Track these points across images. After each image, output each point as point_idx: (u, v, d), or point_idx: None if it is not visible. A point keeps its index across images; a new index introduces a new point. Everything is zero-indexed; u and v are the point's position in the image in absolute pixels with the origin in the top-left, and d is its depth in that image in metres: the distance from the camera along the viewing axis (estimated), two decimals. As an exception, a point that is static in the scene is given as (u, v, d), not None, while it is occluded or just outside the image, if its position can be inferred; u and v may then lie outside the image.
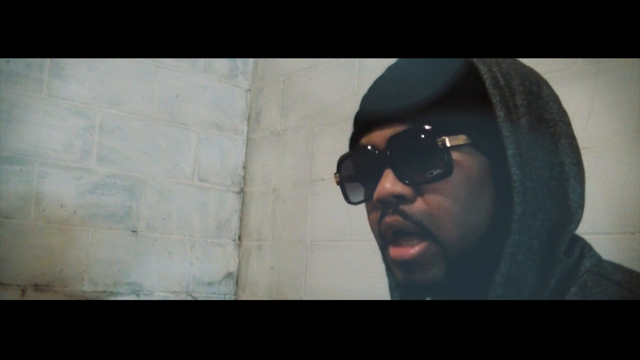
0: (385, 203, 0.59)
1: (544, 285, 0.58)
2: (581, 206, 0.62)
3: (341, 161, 0.65)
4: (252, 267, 2.43)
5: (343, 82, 2.18)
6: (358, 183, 0.64)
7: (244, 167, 2.56)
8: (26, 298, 1.96)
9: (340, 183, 0.66)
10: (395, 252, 0.60)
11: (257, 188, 2.48)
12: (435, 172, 0.58)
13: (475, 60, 0.61)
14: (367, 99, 0.65)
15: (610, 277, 0.58)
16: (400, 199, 0.59)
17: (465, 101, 0.59)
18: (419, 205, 0.58)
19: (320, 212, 2.18)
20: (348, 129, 0.67)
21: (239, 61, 2.58)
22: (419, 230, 0.58)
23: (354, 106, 0.66)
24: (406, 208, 0.59)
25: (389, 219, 0.60)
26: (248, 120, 2.59)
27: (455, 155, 0.58)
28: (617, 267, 0.60)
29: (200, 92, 2.45)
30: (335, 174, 0.66)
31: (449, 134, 0.58)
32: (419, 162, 0.58)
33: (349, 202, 0.65)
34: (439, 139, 0.57)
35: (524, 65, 0.64)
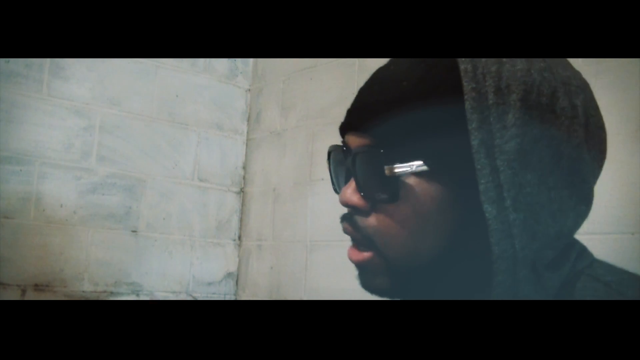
0: (346, 207, 0.61)
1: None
2: (560, 237, 0.56)
3: (330, 151, 0.66)
4: (252, 267, 2.43)
5: (343, 82, 2.18)
6: (338, 176, 0.66)
7: (244, 167, 2.56)
8: (26, 298, 1.96)
9: (329, 170, 0.68)
10: (349, 252, 0.62)
11: (257, 188, 2.48)
12: (382, 196, 0.58)
13: (463, 70, 0.55)
14: (360, 93, 0.63)
15: (600, 279, 0.56)
16: (355, 209, 0.60)
17: (438, 120, 0.55)
18: (371, 221, 0.59)
19: (320, 212, 2.18)
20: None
21: (239, 61, 2.58)
22: (367, 242, 0.59)
23: (354, 106, 0.66)
24: (359, 220, 0.60)
25: (344, 224, 0.62)
26: (248, 120, 2.59)
27: (410, 181, 0.56)
28: (609, 268, 0.58)
29: (200, 92, 2.45)
30: (327, 160, 0.68)
31: (404, 159, 0.55)
32: (372, 182, 0.58)
33: (335, 191, 0.67)
34: (387, 167, 0.56)
35: (548, 69, 0.57)
